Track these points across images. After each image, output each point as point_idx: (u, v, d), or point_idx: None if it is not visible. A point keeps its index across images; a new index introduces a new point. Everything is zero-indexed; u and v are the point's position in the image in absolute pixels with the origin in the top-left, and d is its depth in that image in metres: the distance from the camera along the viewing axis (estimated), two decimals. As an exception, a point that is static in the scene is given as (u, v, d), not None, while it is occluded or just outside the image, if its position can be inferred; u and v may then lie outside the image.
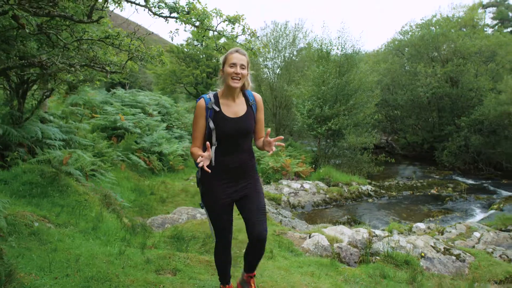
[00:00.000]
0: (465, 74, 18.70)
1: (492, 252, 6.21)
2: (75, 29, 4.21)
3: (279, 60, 21.27)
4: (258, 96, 2.83)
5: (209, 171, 2.48)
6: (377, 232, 6.72)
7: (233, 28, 3.67)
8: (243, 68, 2.58)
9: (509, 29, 67.93)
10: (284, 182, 12.05)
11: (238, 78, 2.57)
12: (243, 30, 3.71)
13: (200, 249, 5.16)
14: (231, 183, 2.74)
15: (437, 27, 20.79)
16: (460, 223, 8.22)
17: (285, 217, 7.76)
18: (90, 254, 3.88)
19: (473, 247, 6.66)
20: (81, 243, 4.25)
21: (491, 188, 14.29)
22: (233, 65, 2.56)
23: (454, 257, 5.62)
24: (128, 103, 14.61)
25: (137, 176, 10.33)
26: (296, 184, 11.79)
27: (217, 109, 2.62)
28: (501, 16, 73.61)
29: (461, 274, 5.23)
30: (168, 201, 9.14)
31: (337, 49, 16.62)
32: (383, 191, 12.95)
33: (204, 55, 23.07)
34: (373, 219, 9.49)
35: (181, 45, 24.72)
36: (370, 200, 11.99)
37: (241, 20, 3.65)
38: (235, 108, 2.68)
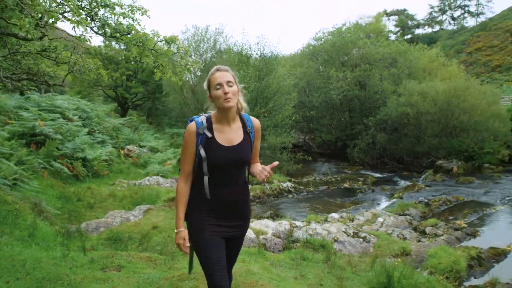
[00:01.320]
0: (371, 78, 20.66)
1: (391, 233, 7.32)
2: (8, 40, 4.34)
3: (201, 63, 21.67)
4: (257, 122, 2.49)
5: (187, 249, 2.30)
6: (297, 223, 7.50)
7: (169, 47, 4.11)
8: (230, 85, 2.25)
9: (409, 36, 74.94)
10: (210, 182, 12.52)
11: (230, 97, 2.22)
12: (178, 48, 4.16)
13: (138, 248, 5.50)
14: (223, 220, 2.37)
15: (348, 34, 22.64)
16: (367, 211, 9.38)
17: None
18: (35, 259, 4.06)
19: (377, 230, 7.73)
20: (22, 250, 4.38)
21: (394, 179, 16.06)
22: (219, 85, 2.24)
23: (361, 239, 6.56)
24: (45, 108, 14.01)
25: (61, 183, 10.13)
26: (221, 184, 12.32)
27: (210, 135, 2.28)
28: (402, 24, 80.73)
29: (367, 252, 6.17)
30: (96, 206, 9.15)
31: (256, 54, 17.47)
32: (302, 187, 13.99)
33: (123, 57, 22.66)
34: (294, 213, 10.34)
35: (99, 46, 24.02)
36: (290, 196, 12.90)
37: (176, 41, 4.10)
38: (231, 135, 2.33)
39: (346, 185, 14.68)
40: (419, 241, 7.08)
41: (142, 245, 5.60)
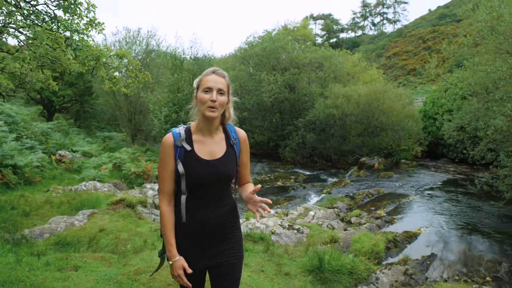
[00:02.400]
0: (300, 82, 21.83)
1: (321, 224, 8.13)
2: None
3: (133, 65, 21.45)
4: (242, 133, 2.23)
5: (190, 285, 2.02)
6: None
7: (120, 61, 4.42)
8: (221, 93, 2.02)
9: (334, 39, 78.80)
10: (148, 185, 12.65)
11: (215, 107, 1.99)
12: (128, 62, 4.48)
13: (88, 250, 5.69)
14: (206, 245, 2.10)
15: (277, 39, 23.63)
16: (300, 206, 10.18)
17: (157, 215, 8.55)
18: (-12, 266, 4.18)
19: (309, 222, 8.51)
20: (-30, 259, 4.46)
21: (323, 176, 17.24)
22: (208, 90, 2.00)
23: (295, 231, 7.25)
24: (-35, 113, 13.28)
25: (-11, 192, 9.79)
26: (159, 187, 12.52)
27: (188, 148, 2.04)
28: (328, 28, 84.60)
29: (301, 242, 6.87)
30: (33, 214, 8.98)
31: (190, 58, 17.77)
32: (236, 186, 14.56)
33: (50, 58, 21.71)
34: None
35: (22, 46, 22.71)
36: (227, 195, 13.42)
37: (128, 55, 4.42)
38: (212, 147, 2.09)
39: (279, 183, 15.50)
40: (345, 229, 7.95)
41: (91, 248, 5.79)
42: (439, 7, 67.92)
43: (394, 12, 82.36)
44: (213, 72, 2.06)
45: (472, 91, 10.80)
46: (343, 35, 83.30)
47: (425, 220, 8.75)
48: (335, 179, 15.69)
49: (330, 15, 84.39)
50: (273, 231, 7.10)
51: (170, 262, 2.03)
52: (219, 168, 2.06)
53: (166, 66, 17.97)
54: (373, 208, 10.19)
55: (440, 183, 13.42)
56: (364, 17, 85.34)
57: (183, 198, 2.04)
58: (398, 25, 77.96)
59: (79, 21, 3.88)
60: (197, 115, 2.14)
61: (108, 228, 6.54)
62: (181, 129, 2.12)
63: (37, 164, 12.28)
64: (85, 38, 4.11)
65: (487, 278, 5.65)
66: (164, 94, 17.27)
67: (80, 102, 24.31)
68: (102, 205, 7.89)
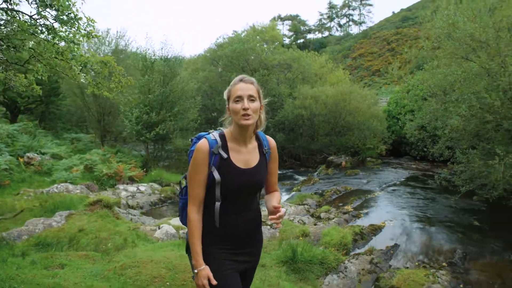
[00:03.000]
0: (269, 83, 22.28)
1: (293, 220, 8.55)
2: None
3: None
4: (272, 142, 2.28)
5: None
6: (212, 217, 8.34)
7: (105, 67, 4.63)
8: (252, 100, 2.01)
9: (302, 40, 79.91)
10: (121, 186, 12.71)
11: (249, 114, 1.98)
12: (113, 68, 4.70)
13: (69, 250, 5.85)
14: (234, 251, 2.13)
15: (247, 41, 23.98)
16: (271, 203, 10.56)
17: (134, 215, 8.73)
18: (-24, 267, 4.31)
19: (281, 219, 8.91)
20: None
21: (293, 175, 17.75)
22: (239, 98, 1.99)
23: (269, 227, 7.63)
24: None
25: (-44, 197, 9.65)
26: (132, 188, 12.61)
27: (225, 155, 2.03)
28: (295, 29, 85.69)
29: (274, 236, 7.25)
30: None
31: (161, 59, 17.84)
32: (210, 186, 14.82)
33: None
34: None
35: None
36: (200, 195, 13.66)
37: (112, 62, 4.64)
38: (247, 156, 2.11)
39: (250, 182, 15.82)
40: (315, 224, 8.39)
41: (73, 247, 5.95)
42: (402, 10, 70.16)
43: (360, 14, 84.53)
44: (241, 80, 2.06)
45: (431, 92, 11.50)
46: (310, 36, 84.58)
47: (389, 214, 9.34)
48: (304, 178, 16.20)
49: (297, 16, 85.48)
50: (247, 227, 7.44)
51: (196, 271, 2.01)
52: (253, 176, 2.08)
53: (136, 67, 17.95)
54: (341, 204, 10.71)
55: (403, 179, 14.16)
56: (331, 18, 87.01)
57: (217, 205, 2.03)
58: (364, 27, 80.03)
59: (75, 33, 4.07)
60: (230, 124, 2.13)
61: (87, 228, 6.70)
62: (215, 135, 2.09)
63: (5, 167, 12.14)
64: (77, 47, 4.32)
65: (443, 264, 6.21)
66: (135, 95, 17.25)
67: (46, 103, 23.77)
68: (79, 206, 7.99)
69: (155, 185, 13.42)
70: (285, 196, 13.05)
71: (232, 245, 2.10)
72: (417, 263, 6.38)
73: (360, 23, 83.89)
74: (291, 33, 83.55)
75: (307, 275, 5.26)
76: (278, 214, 2.02)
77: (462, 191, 9.09)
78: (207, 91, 24.69)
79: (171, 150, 17.79)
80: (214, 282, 1.99)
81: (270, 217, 2.03)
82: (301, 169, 19.39)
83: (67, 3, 3.68)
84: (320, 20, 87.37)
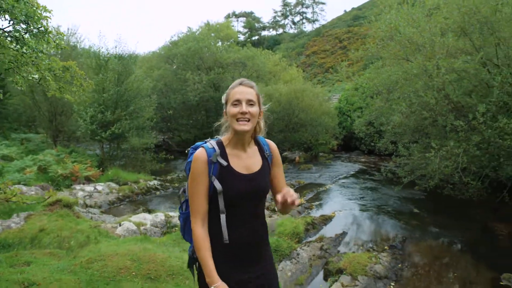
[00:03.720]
0: (224, 81, 22.60)
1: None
2: None
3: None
4: (273, 145, 2.17)
5: None
6: (172, 213, 8.64)
7: (67, 71, 4.79)
8: (251, 104, 1.92)
9: (256, 37, 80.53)
10: (78, 187, 12.64)
11: (247, 119, 1.89)
12: (75, 73, 4.87)
13: (32, 249, 5.97)
14: (242, 267, 1.94)
15: (202, 39, 24.14)
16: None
17: (94, 214, 8.85)
18: None
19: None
20: None
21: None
22: (237, 102, 1.90)
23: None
24: None
25: None
26: (89, 187, 12.58)
27: (225, 163, 1.91)
28: (250, 26, 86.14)
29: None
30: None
31: (115, 57, 17.67)
32: (168, 184, 15.02)
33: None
34: (165, 207, 11.38)
35: None
36: (158, 192, 13.81)
37: (73, 67, 4.81)
38: (248, 161, 1.99)
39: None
40: (270, 216, 8.89)
41: (35, 246, 6.06)
42: (353, 9, 72.56)
43: (313, 12, 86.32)
44: (240, 83, 1.95)
45: (377, 90, 12.34)
46: (264, 33, 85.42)
47: (339, 205, 10.03)
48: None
49: (252, 13, 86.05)
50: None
51: None
52: (257, 182, 1.96)
53: (89, 66, 17.69)
54: (295, 197, 11.29)
55: (353, 172, 15.05)
56: (285, 16, 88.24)
57: (223, 217, 1.87)
58: (317, 25, 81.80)
59: (43, 43, 4.23)
60: (227, 130, 2.01)
61: (48, 227, 6.80)
62: (213, 143, 1.97)
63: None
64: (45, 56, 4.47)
65: (385, 247, 6.89)
66: (89, 94, 17.01)
67: (-11, 102, 22.82)
68: (37, 207, 8.02)
69: (113, 184, 13.44)
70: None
71: (240, 260, 1.92)
72: (362, 248, 7.03)
73: (313, 21, 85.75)
74: (245, 30, 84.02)
75: (263, 262, 5.72)
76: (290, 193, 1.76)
77: (404, 182, 9.90)
78: (163, 89, 24.62)
79: (127, 149, 17.71)
80: None
81: (285, 205, 1.78)
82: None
83: (36, 17, 3.85)
84: (275, 17, 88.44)
